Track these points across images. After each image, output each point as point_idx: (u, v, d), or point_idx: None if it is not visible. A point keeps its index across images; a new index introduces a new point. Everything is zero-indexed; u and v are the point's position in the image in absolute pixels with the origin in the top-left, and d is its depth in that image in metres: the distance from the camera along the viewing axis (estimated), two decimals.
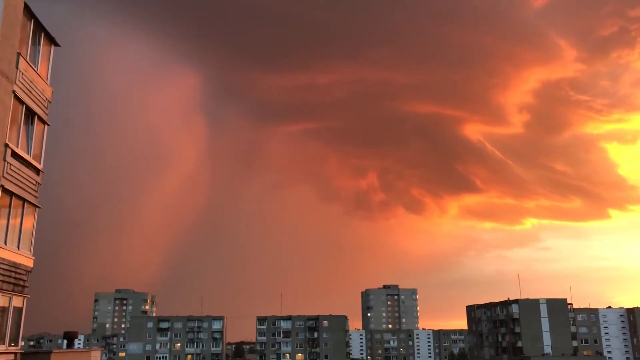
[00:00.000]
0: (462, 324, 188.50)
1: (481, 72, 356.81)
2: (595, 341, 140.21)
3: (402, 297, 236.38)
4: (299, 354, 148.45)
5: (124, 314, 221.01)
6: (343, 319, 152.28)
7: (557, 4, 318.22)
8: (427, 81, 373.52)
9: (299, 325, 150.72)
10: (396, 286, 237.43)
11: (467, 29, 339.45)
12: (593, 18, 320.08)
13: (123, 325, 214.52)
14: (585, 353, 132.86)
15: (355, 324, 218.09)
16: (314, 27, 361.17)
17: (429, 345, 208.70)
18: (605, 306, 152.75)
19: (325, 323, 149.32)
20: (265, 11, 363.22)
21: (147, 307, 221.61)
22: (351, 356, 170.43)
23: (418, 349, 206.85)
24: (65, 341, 28.88)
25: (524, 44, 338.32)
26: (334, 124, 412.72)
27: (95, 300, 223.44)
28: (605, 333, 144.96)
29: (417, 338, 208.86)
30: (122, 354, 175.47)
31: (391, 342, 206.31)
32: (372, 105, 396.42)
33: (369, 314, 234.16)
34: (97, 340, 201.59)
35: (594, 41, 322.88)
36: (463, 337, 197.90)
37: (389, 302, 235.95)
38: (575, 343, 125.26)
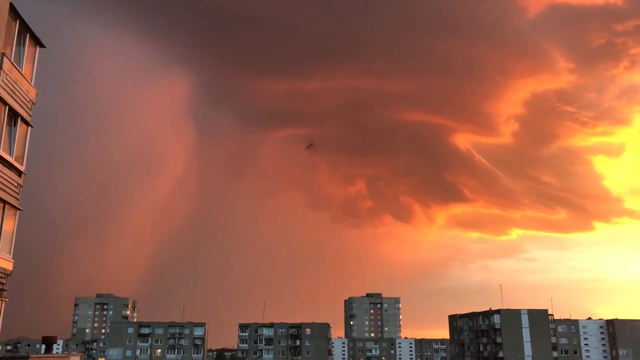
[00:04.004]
0: (444, 333, 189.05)
1: (472, 82, 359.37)
2: (575, 352, 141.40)
3: (385, 305, 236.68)
4: None
5: (104, 319, 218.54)
6: (326, 327, 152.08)
7: (549, 15, 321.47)
8: (419, 90, 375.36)
9: (281, 332, 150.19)
10: (379, 295, 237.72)
11: (459, 39, 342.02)
12: (581, 31, 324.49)
13: (103, 331, 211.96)
14: None
15: (337, 332, 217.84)
16: (306, 33, 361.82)
17: (411, 354, 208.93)
18: (586, 317, 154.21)
19: (308, 331, 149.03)
20: (257, 17, 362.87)
21: (128, 312, 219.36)
22: None
23: (400, 358, 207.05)
24: (43, 346, 28.54)
25: (515, 54, 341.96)
26: (324, 131, 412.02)
27: (75, 305, 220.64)
28: (585, 344, 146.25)
29: (399, 347, 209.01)
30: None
31: (373, 351, 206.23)
32: (363, 113, 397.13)
33: (351, 322, 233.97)
34: (77, 345, 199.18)
35: (582, 54, 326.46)
36: (445, 346, 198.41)
37: (371, 311, 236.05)
38: (555, 354, 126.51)
